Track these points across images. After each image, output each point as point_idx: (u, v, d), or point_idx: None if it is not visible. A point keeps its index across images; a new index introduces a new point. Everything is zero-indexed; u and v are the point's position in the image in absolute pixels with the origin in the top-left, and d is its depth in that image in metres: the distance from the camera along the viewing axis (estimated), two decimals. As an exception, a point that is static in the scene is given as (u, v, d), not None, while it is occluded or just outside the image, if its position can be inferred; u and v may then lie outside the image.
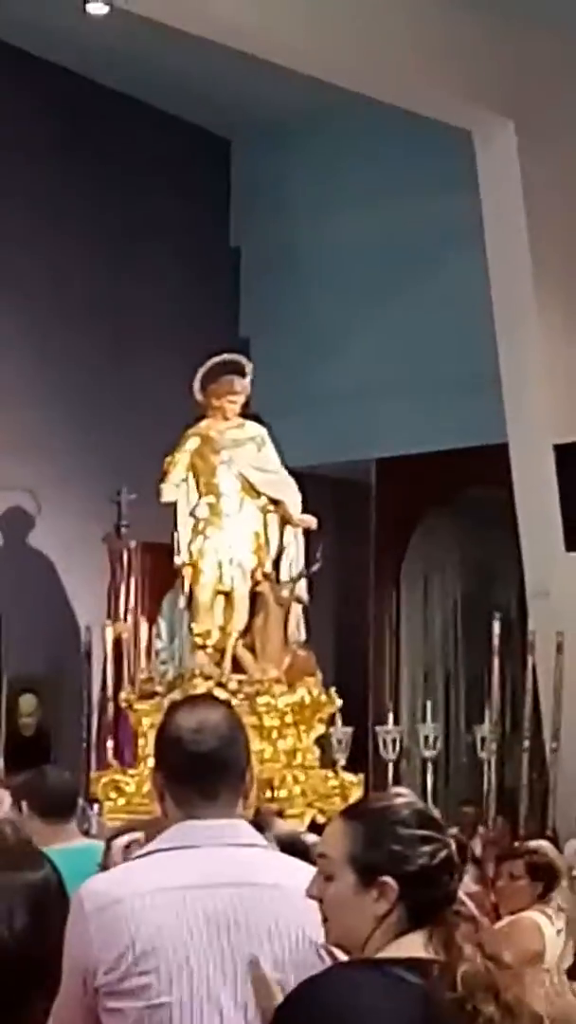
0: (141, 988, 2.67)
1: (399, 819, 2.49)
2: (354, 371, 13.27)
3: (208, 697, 5.64)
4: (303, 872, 2.72)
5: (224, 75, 12.30)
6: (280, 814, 8.85)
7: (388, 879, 2.39)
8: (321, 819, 9.19)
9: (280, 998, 2.54)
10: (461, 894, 2.61)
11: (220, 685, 10.30)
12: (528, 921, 5.36)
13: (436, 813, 2.59)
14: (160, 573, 12.08)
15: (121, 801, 10.32)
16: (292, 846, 4.56)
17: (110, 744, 11.62)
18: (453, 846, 2.49)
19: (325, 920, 2.48)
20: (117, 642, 12.12)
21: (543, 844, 6.87)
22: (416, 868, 2.42)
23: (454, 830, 8.53)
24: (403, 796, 2.75)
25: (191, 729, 2.81)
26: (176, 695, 9.83)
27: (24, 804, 5.09)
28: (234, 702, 8.96)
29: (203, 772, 2.77)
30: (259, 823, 4.77)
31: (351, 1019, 2.28)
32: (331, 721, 10.88)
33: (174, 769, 2.81)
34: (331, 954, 2.56)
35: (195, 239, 13.95)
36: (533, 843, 7.10)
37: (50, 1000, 2.22)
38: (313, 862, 2.81)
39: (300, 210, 14.13)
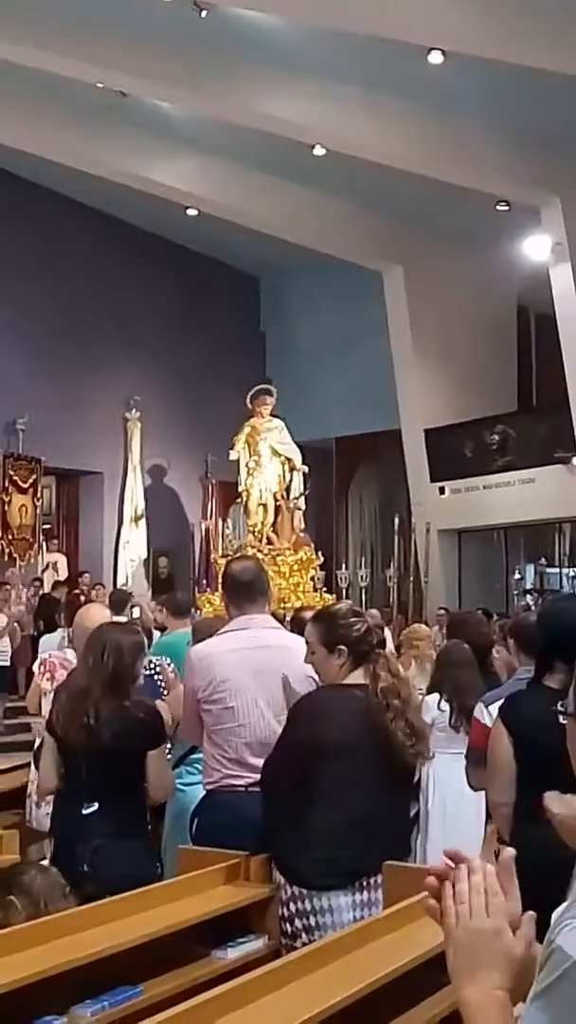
0: (220, 698, 4.04)
1: (340, 613, 3.78)
2: (324, 395, 18.98)
3: (246, 555, 7.71)
4: (299, 640, 4.02)
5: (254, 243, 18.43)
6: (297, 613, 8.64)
7: (342, 646, 3.61)
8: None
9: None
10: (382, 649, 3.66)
11: (259, 551, 14.28)
12: None
13: (359, 608, 3.86)
14: (226, 497, 17.83)
15: (209, 608, 12.82)
16: (299, 620, 6.23)
17: (204, 581, 16.61)
18: (371, 622, 3.73)
19: (317, 672, 3.74)
20: (207, 530, 17.96)
21: (414, 627, 9.41)
22: (353, 636, 3.65)
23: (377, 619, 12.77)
24: (340, 602, 4.89)
25: (239, 570, 4.26)
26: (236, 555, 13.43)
27: (165, 609, 6.94)
28: (266, 560, 13.60)
29: (247, 590, 4.17)
30: (278, 618, 5.97)
31: (329, 711, 3.59)
32: (316, 569, 15.10)
33: (233, 590, 4.18)
34: (316, 682, 3.81)
35: (243, 329, 20.16)
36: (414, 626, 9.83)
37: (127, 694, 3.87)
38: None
39: (296, 312, 20.19)
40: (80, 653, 4.90)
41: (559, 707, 1.50)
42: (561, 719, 1.50)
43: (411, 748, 3.57)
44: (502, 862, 1.47)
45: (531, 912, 1.45)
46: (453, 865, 1.46)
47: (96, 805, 4.02)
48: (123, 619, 7.36)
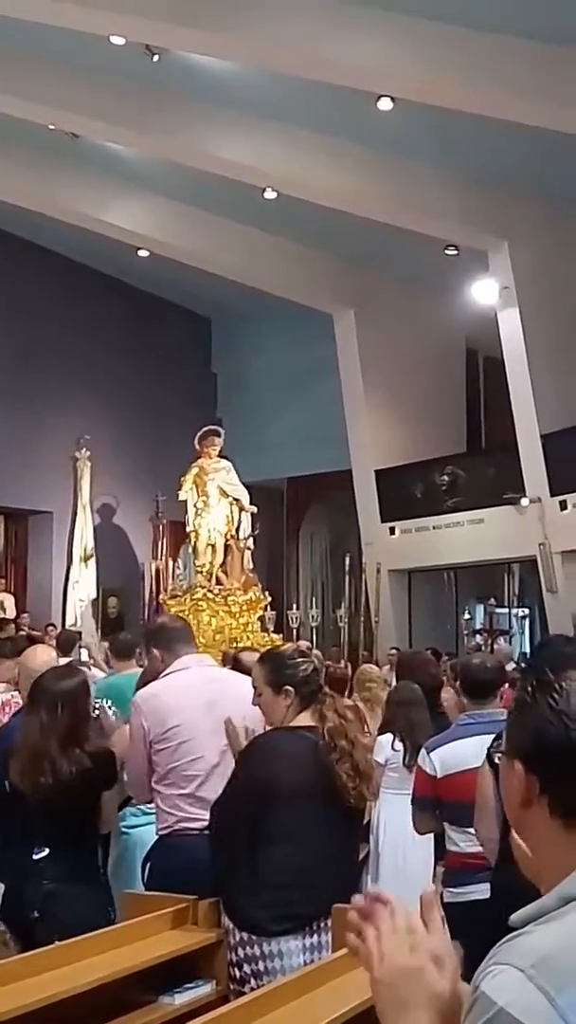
0: (174, 734, 4.09)
1: (286, 654, 3.80)
2: (275, 435, 19.14)
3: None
4: (240, 675, 4.37)
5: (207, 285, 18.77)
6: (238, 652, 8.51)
7: (288, 687, 3.59)
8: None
9: (244, 742, 3.73)
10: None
11: (209, 591, 14.70)
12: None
13: (304, 647, 3.94)
14: (177, 537, 17.55)
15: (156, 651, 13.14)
16: (238, 660, 6.50)
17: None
18: (316, 663, 3.77)
19: (264, 713, 3.73)
20: (156, 570, 17.88)
21: (365, 667, 9.17)
22: (299, 677, 3.65)
23: (328, 661, 9.20)
24: (284, 644, 4.49)
25: (169, 619, 4.88)
26: (187, 597, 14.65)
27: (109, 650, 7.19)
28: (216, 599, 14.46)
29: (182, 635, 4.42)
30: (227, 657, 7.15)
31: (279, 754, 3.59)
32: (266, 609, 15.22)
33: (168, 637, 4.39)
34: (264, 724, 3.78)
35: (194, 369, 20.34)
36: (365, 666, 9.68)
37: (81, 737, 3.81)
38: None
39: (247, 353, 20.22)
40: (25, 695, 4.80)
41: (492, 747, 1.48)
42: (496, 758, 1.49)
43: (353, 789, 3.55)
44: (424, 900, 1.45)
45: (458, 947, 1.42)
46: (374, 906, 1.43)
47: (47, 850, 3.96)
48: (66, 660, 7.22)
